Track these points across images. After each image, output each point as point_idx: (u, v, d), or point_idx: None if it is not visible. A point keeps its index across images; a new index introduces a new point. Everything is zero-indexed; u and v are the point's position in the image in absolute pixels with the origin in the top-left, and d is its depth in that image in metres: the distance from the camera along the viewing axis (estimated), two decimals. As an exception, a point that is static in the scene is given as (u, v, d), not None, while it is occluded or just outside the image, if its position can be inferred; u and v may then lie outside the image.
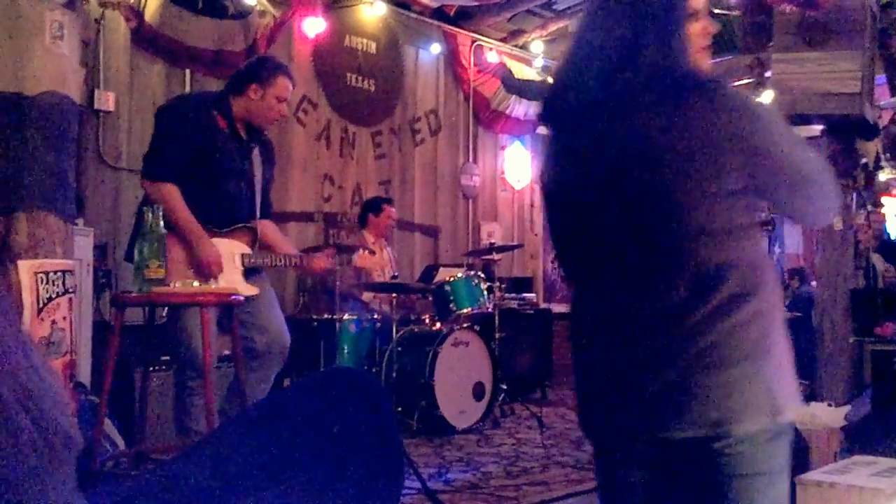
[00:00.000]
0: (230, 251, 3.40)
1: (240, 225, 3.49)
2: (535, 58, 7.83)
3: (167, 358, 3.91)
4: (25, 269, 2.17)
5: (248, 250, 3.48)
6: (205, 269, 3.27)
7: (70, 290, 2.26)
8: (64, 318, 2.22)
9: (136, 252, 2.64)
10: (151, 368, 3.59)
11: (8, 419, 0.93)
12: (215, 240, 3.36)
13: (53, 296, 2.19)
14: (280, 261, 3.63)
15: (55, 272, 2.20)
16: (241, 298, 3.08)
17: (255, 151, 3.57)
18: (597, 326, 1.50)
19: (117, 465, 3.22)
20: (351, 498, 2.22)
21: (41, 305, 2.18)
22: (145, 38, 5.28)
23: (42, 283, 2.17)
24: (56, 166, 2.26)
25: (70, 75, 2.36)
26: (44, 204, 2.21)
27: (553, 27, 7.62)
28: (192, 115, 3.38)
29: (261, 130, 3.60)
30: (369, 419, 2.40)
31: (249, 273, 3.49)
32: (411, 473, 2.95)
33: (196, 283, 3.04)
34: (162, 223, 2.68)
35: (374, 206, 5.85)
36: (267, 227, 3.68)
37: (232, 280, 3.37)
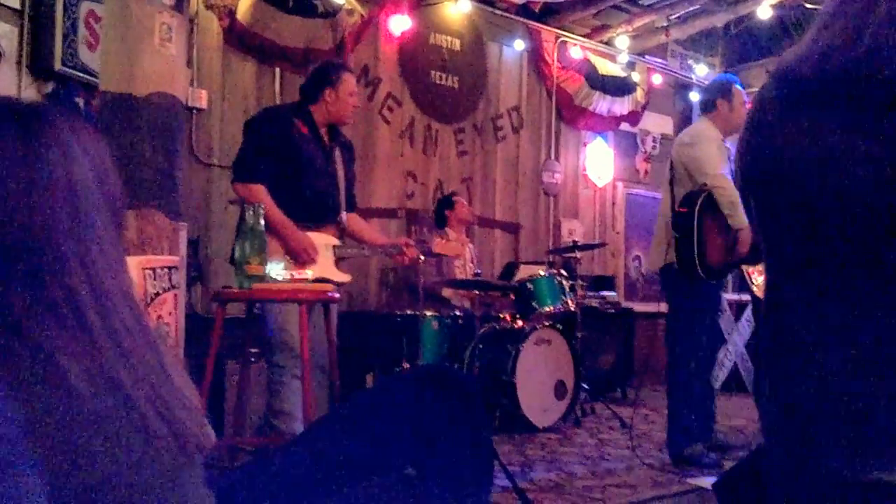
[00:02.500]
0: (322, 242, 3.63)
1: (327, 219, 3.71)
2: (621, 53, 7.74)
3: (256, 350, 3.99)
4: (134, 264, 2.24)
5: (337, 241, 3.72)
6: (300, 257, 3.51)
7: (175, 285, 2.33)
8: (170, 313, 2.29)
9: (236, 249, 2.72)
10: (250, 361, 3.68)
11: (146, 426, 0.97)
12: (307, 234, 3.58)
13: (160, 291, 2.26)
14: (368, 251, 3.87)
15: (162, 268, 2.27)
16: (338, 296, 3.16)
17: (337, 152, 3.81)
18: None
19: (211, 457, 3.30)
20: (443, 494, 2.24)
21: (148, 301, 2.25)
22: (237, 37, 5.40)
23: (150, 278, 2.24)
24: (164, 165, 2.33)
25: (178, 76, 2.43)
26: (152, 201, 2.29)
27: (639, 22, 7.52)
28: (276, 122, 3.65)
29: (340, 132, 3.87)
30: (462, 416, 2.41)
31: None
32: (499, 470, 2.95)
33: (294, 273, 3.22)
34: (262, 221, 2.75)
35: (446, 203, 5.90)
36: (353, 220, 3.92)
37: (326, 268, 3.61)
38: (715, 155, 3.96)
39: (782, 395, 1.30)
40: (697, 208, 3.88)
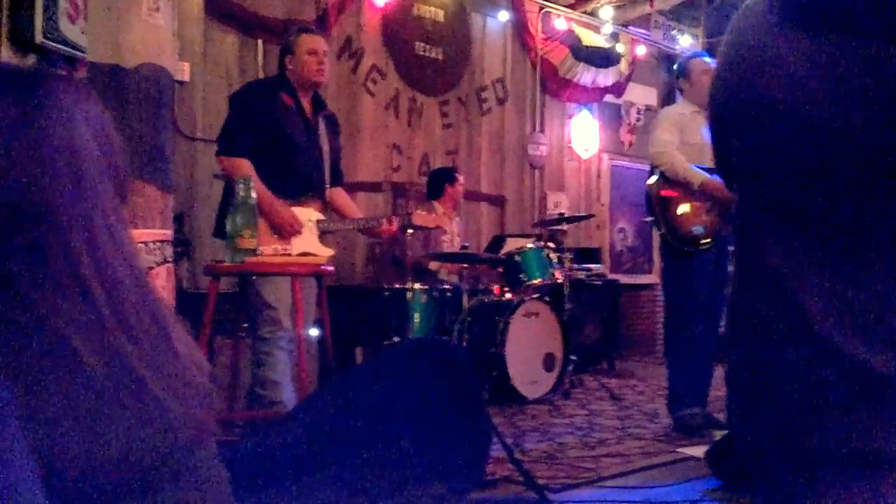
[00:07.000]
0: (305, 217, 3.63)
1: (311, 193, 3.72)
2: (605, 24, 7.70)
3: (248, 325, 3.97)
4: (125, 238, 2.20)
5: (321, 216, 3.72)
6: (284, 230, 3.53)
7: (168, 259, 2.30)
8: (163, 287, 2.26)
9: (228, 222, 2.69)
10: (241, 335, 3.66)
11: (156, 401, 0.95)
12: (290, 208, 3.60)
13: (153, 265, 2.23)
14: (350, 224, 3.87)
15: (154, 242, 2.24)
16: (331, 269, 3.15)
17: (322, 125, 3.82)
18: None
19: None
20: (439, 465, 2.24)
21: (141, 275, 2.21)
22: (218, 9, 5.32)
23: (142, 252, 2.20)
24: (154, 137, 2.29)
25: (165, 47, 2.38)
26: (143, 174, 2.25)
27: (623, -7, 7.48)
28: (260, 96, 3.65)
29: (324, 104, 3.89)
30: (457, 388, 2.41)
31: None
32: (495, 442, 2.95)
33: (282, 245, 3.22)
34: (254, 195, 2.72)
35: (449, 177, 5.84)
36: (336, 194, 3.93)
37: (309, 242, 3.62)
38: (663, 136, 4.11)
39: (761, 368, 1.18)
40: (654, 189, 4.08)
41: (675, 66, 4.57)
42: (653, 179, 4.11)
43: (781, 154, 1.08)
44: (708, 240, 4.01)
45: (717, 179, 3.92)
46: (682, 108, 4.26)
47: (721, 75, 1.17)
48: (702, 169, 4.00)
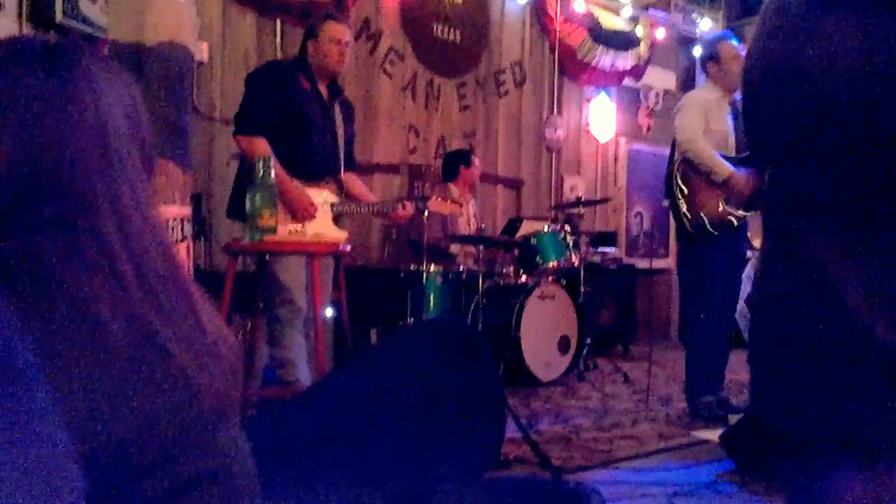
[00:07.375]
0: (319, 199, 3.62)
1: (326, 176, 3.71)
2: (624, 7, 7.65)
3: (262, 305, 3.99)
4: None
5: (335, 199, 3.71)
6: (298, 213, 3.51)
7: (187, 236, 2.32)
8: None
9: (247, 202, 2.70)
10: (259, 314, 3.68)
11: (183, 375, 0.96)
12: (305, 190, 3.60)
13: (172, 243, 2.25)
14: (365, 208, 3.87)
15: (174, 219, 2.26)
16: (349, 248, 3.16)
17: (337, 109, 3.81)
18: None
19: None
20: (454, 445, 2.25)
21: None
22: (237, -11, 5.33)
23: (162, 229, 2.22)
24: (175, 115, 2.30)
25: (187, 26, 2.39)
26: (163, 152, 2.26)
27: (642, -25, 7.43)
28: (278, 77, 3.64)
29: (341, 90, 3.86)
30: (472, 368, 2.42)
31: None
32: (510, 422, 2.96)
33: (295, 227, 3.23)
34: (273, 174, 2.73)
35: (464, 159, 5.83)
36: (351, 179, 3.92)
37: (323, 225, 3.61)
38: (691, 122, 4.04)
39: (786, 350, 1.12)
40: (675, 175, 4.05)
41: (702, 47, 4.48)
42: (675, 164, 4.08)
43: (821, 136, 1.02)
44: (726, 226, 3.99)
45: (742, 174, 3.89)
46: (707, 94, 4.16)
47: (757, 53, 1.11)
48: (724, 158, 3.97)
